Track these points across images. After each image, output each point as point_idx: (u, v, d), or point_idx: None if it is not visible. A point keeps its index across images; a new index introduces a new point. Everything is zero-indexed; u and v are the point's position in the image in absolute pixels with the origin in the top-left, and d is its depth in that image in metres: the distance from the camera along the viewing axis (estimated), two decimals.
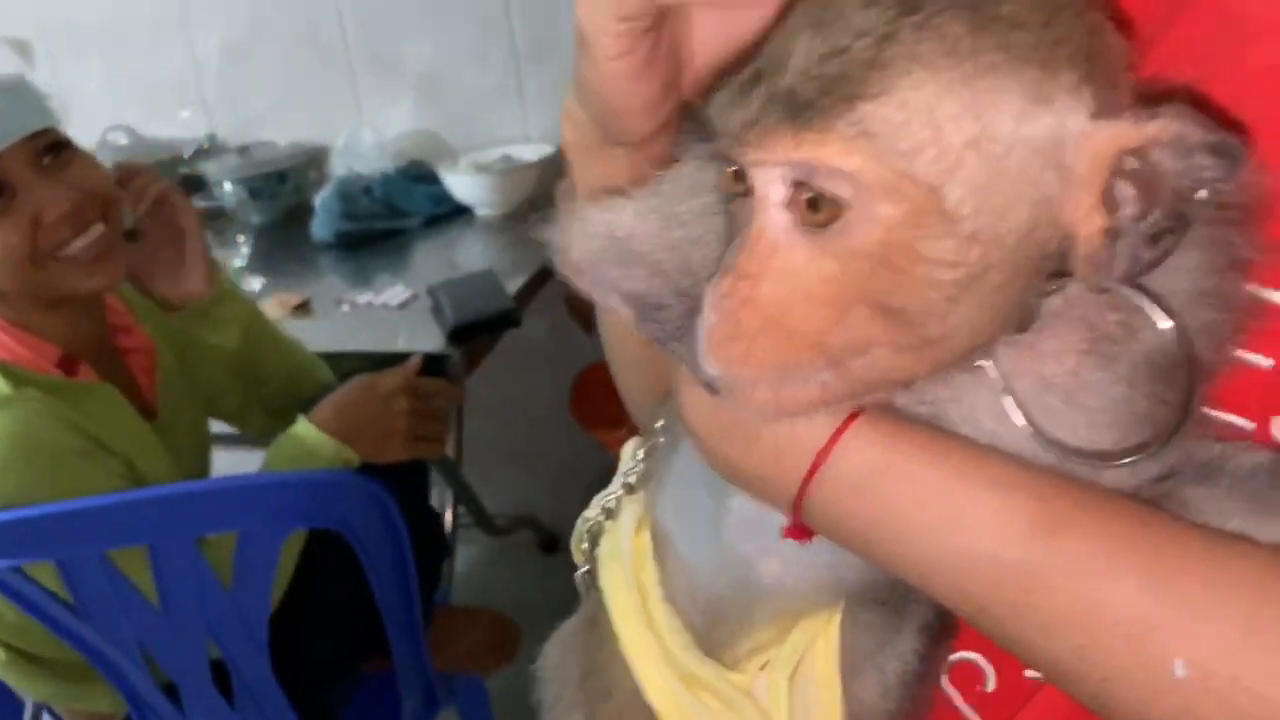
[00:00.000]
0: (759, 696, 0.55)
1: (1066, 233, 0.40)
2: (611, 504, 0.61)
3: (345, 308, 1.88)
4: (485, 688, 1.70)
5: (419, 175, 2.31)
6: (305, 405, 1.34)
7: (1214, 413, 0.45)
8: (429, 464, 1.67)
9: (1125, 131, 0.38)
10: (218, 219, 1.97)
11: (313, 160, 2.43)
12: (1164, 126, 0.37)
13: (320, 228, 2.18)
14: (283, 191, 2.36)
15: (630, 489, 0.60)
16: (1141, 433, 0.43)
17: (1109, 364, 0.43)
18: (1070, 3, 0.40)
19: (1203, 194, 0.37)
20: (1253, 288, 0.44)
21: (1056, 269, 0.41)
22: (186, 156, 2.41)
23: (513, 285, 1.86)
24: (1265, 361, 0.44)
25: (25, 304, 1.25)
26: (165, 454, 1.35)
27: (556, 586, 0.70)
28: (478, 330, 1.70)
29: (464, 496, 2.25)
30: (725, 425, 0.46)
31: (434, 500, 1.89)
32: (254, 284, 1.99)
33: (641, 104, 0.46)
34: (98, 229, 1.27)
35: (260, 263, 2.04)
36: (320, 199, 2.24)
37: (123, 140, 2.43)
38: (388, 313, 1.85)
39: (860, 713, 0.55)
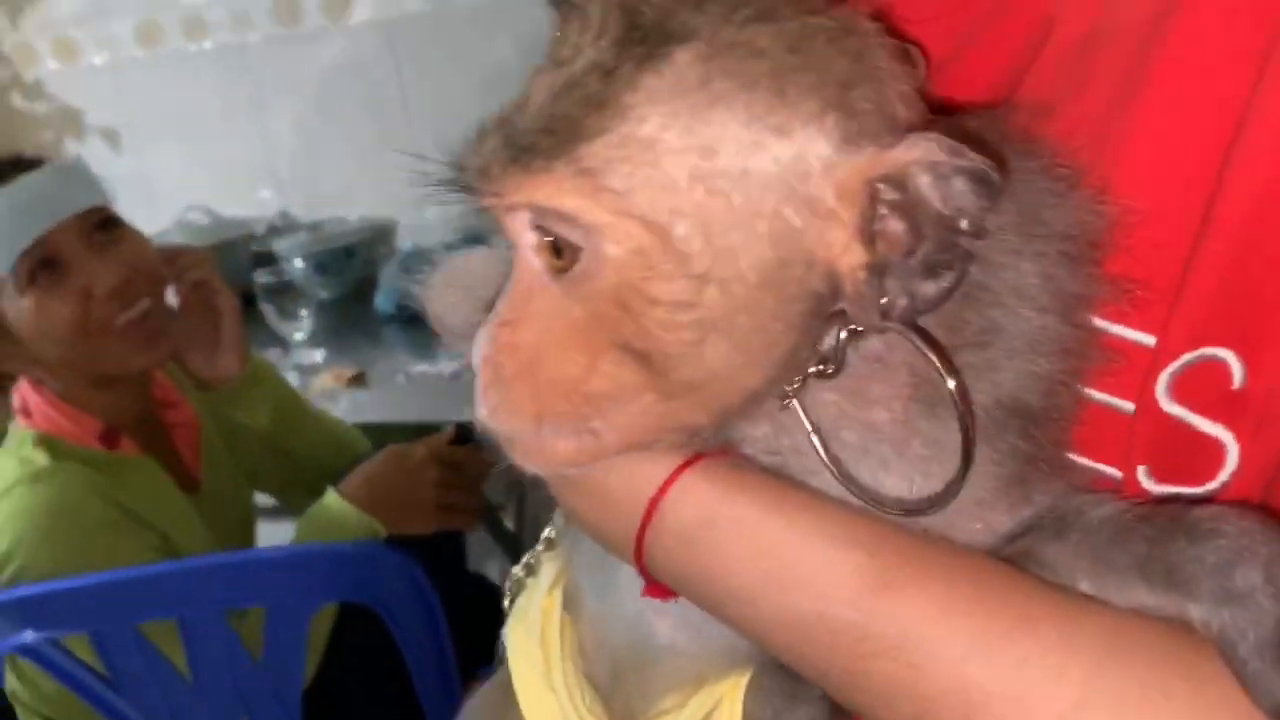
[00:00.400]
0: None
1: (829, 270, 0.38)
2: (533, 560, 0.60)
3: (400, 378, 1.89)
4: None
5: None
6: (338, 477, 1.34)
7: (1083, 460, 0.42)
8: (467, 534, 1.65)
9: (871, 160, 0.37)
10: (283, 293, 2.01)
11: (380, 235, 2.48)
12: (912, 153, 0.36)
13: (384, 300, 2.21)
14: (350, 266, 2.40)
15: (550, 544, 0.59)
16: (984, 482, 0.41)
17: (936, 410, 0.41)
18: (826, 28, 0.38)
19: (964, 224, 0.35)
20: (1106, 325, 0.41)
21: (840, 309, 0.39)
22: (260, 234, 2.48)
23: None
24: (1126, 405, 0.41)
25: (72, 377, 1.29)
26: (204, 527, 1.37)
27: None
28: None
29: (512, 555, 2.22)
30: (576, 479, 0.45)
31: (494, 572, 1.87)
32: (315, 356, 2.02)
33: None
34: (144, 303, 1.31)
35: (323, 336, 2.07)
36: (385, 273, 2.28)
37: (202, 220, 2.52)
38: (442, 382, 1.85)
39: None
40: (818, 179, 0.37)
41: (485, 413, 0.41)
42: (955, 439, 0.40)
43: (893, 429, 0.42)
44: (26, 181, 1.25)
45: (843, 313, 0.39)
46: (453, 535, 1.50)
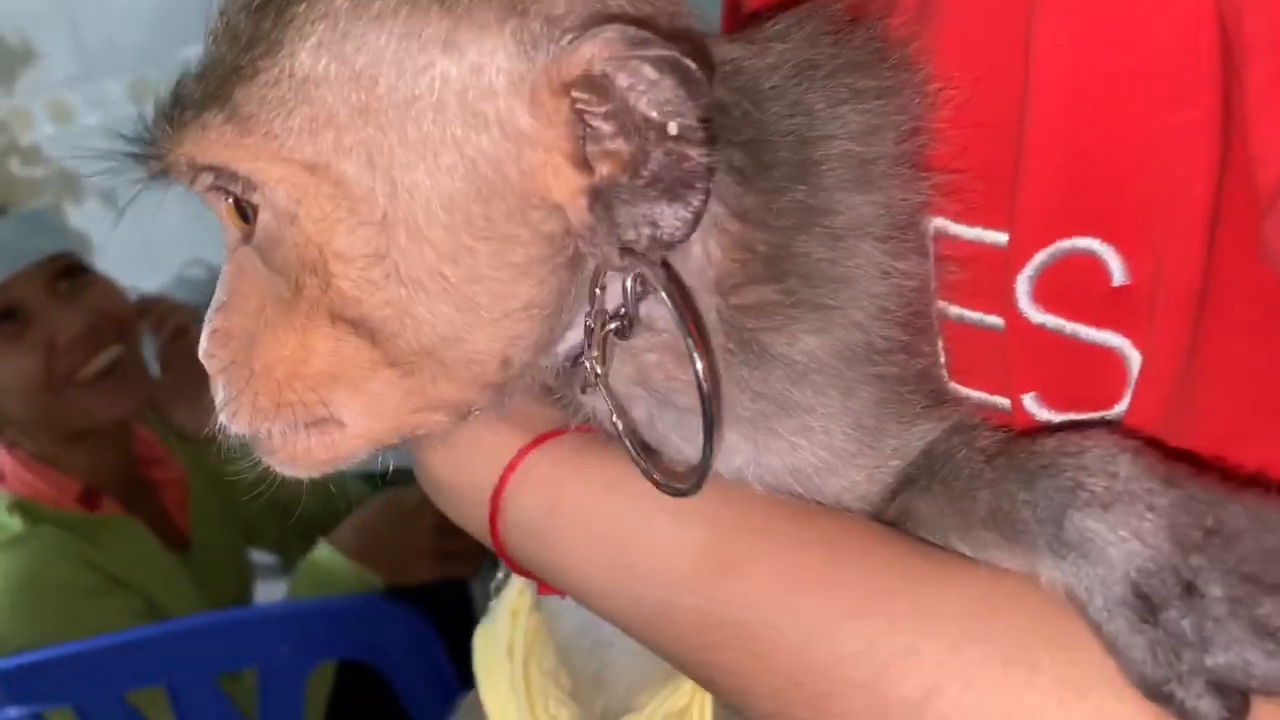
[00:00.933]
0: None
1: (545, 202, 0.33)
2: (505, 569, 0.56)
3: None
4: None
5: None
6: (329, 528, 1.27)
7: (966, 391, 0.38)
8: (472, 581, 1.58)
9: (556, 63, 0.31)
10: None
11: None
12: (592, 47, 0.31)
13: None
14: None
15: None
16: (845, 430, 0.37)
17: (757, 363, 0.36)
18: None
19: (673, 126, 0.30)
20: (951, 226, 0.36)
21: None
22: None
23: None
24: (996, 321, 0.35)
25: (46, 436, 1.24)
26: (195, 587, 1.30)
27: None
28: None
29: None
30: (430, 482, 0.43)
31: None
32: None
33: None
34: (113, 351, 1.24)
35: None
36: None
37: (202, 274, 2.47)
38: None
39: None
40: (504, 95, 0.33)
41: (227, 415, 0.37)
42: (782, 387, 0.36)
43: (672, 390, 0.38)
44: None
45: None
46: (457, 583, 1.43)
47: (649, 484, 0.37)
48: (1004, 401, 0.37)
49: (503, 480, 0.39)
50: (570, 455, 0.39)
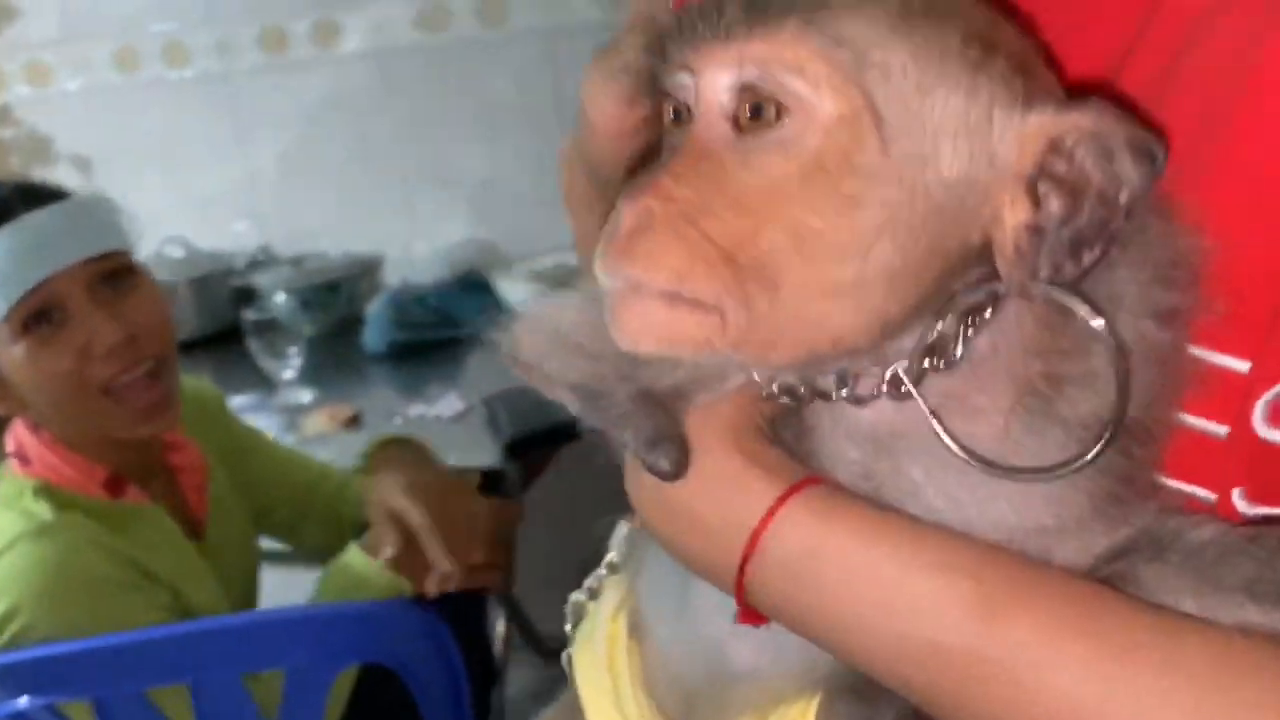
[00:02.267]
0: None
1: (992, 219, 0.39)
2: (595, 584, 0.60)
3: (398, 420, 1.82)
4: None
5: (473, 284, 2.28)
6: (359, 530, 1.26)
7: (1174, 483, 0.43)
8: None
9: (1051, 120, 0.39)
10: (269, 330, 1.94)
11: (365, 271, 2.41)
12: (1084, 118, 0.38)
13: (372, 338, 2.15)
14: (335, 302, 2.33)
15: (613, 568, 0.59)
16: (1082, 499, 0.42)
17: (1037, 424, 0.41)
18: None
19: (1124, 197, 0.38)
20: (1199, 351, 0.42)
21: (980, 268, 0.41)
22: (240, 268, 2.40)
23: None
24: (1219, 429, 0.41)
25: (72, 425, 1.20)
26: (212, 578, 1.28)
27: None
28: (535, 443, 1.64)
29: (515, 617, 2.16)
30: (670, 508, 0.45)
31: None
32: (304, 396, 1.95)
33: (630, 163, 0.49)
34: (148, 364, 1.20)
35: (311, 374, 1.99)
36: (372, 309, 2.21)
37: (178, 253, 2.43)
38: (441, 425, 1.79)
39: None
40: (1000, 133, 0.39)
41: (618, 258, 0.39)
42: (1055, 454, 0.41)
43: (991, 444, 0.41)
44: (31, 220, 1.14)
45: (977, 280, 0.40)
46: (476, 594, 1.44)
47: (905, 532, 0.41)
48: (1209, 495, 0.42)
49: (764, 521, 0.42)
50: (827, 503, 0.42)
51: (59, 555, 1.10)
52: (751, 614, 0.45)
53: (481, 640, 1.53)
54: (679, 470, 0.43)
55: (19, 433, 1.21)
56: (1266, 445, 0.39)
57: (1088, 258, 0.38)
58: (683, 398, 0.45)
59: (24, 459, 1.19)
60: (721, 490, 0.43)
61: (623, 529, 0.60)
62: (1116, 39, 0.46)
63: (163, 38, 2.41)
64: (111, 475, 1.21)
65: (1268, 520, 0.40)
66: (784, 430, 0.44)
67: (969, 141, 0.39)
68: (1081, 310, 0.39)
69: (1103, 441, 0.40)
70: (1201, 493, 0.42)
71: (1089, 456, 0.40)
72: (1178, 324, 0.41)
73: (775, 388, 0.43)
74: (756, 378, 0.44)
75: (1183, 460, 0.43)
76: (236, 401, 1.99)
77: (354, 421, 1.83)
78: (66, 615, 1.07)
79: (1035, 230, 0.38)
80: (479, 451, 1.65)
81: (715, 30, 0.39)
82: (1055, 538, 0.42)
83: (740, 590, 0.43)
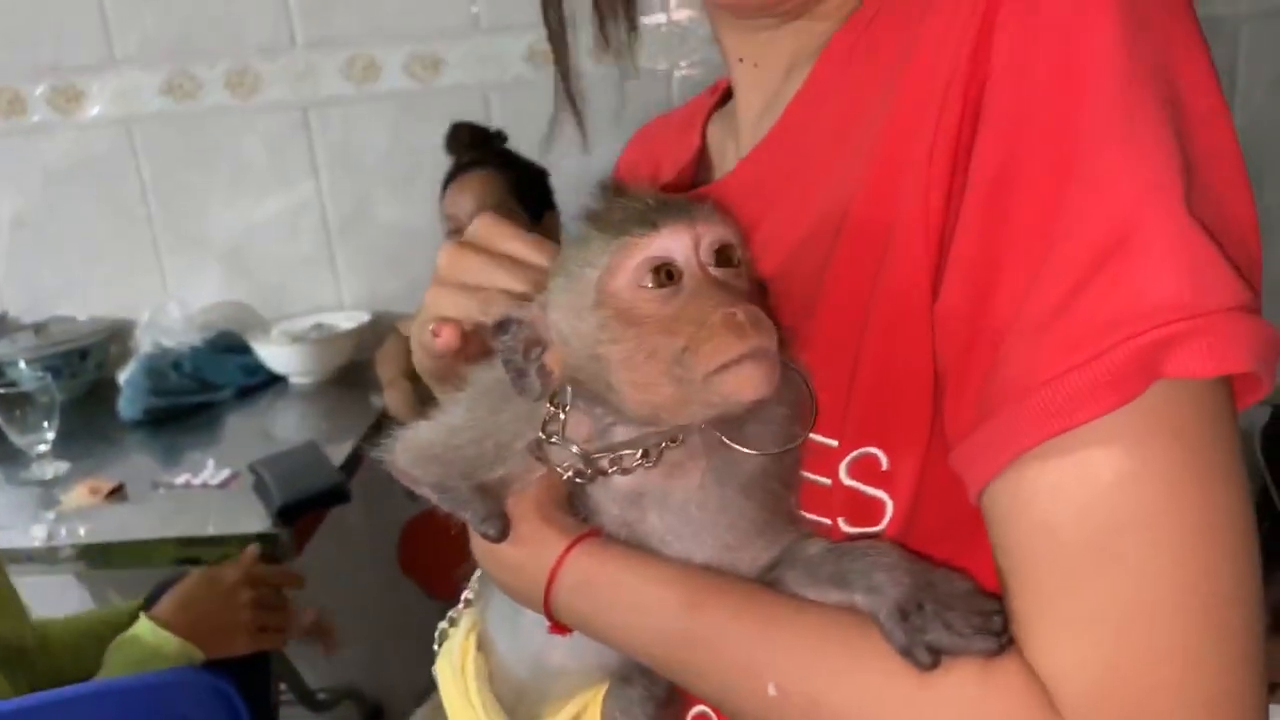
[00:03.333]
0: None
1: None
2: (455, 614, 0.77)
3: (161, 491, 1.83)
4: None
5: (229, 346, 2.30)
6: (148, 601, 1.31)
7: (806, 514, 0.62)
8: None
9: None
10: (19, 404, 1.90)
11: (115, 335, 2.38)
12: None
13: (128, 406, 2.14)
14: (84, 369, 2.30)
15: (468, 602, 0.76)
16: (753, 525, 0.61)
17: (724, 481, 0.60)
18: None
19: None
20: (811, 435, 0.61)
21: None
22: None
23: (335, 453, 1.88)
24: (825, 480, 0.60)
25: None
26: None
27: None
28: (306, 507, 1.70)
29: (283, 672, 2.19)
30: (499, 560, 0.63)
31: None
32: (59, 468, 1.92)
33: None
34: None
35: (63, 445, 1.96)
36: (126, 376, 2.20)
37: None
38: (207, 493, 1.82)
39: None
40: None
41: (756, 336, 0.54)
42: (737, 503, 0.61)
43: (694, 495, 0.61)
44: None
45: None
46: (261, 654, 1.50)
47: (645, 562, 0.60)
48: (825, 521, 0.62)
49: (559, 562, 0.60)
50: (600, 547, 0.61)
51: None
52: (559, 627, 0.63)
53: (264, 698, 1.58)
54: (502, 536, 0.61)
55: None
56: (848, 490, 0.59)
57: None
58: (505, 486, 0.62)
59: None
60: (531, 546, 0.61)
61: (476, 574, 0.76)
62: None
63: None
64: None
65: (860, 536, 0.60)
66: (576, 500, 0.63)
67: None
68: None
69: (799, 440, 0.59)
70: (821, 520, 0.61)
71: (792, 445, 0.59)
72: (805, 424, 0.61)
73: (570, 473, 0.61)
74: (556, 468, 0.61)
75: (807, 500, 0.62)
76: None
77: (117, 493, 1.83)
78: None
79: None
80: (248, 517, 1.70)
81: (691, 217, 0.56)
82: (736, 553, 0.61)
83: (548, 611, 0.62)
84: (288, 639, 1.45)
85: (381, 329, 2.26)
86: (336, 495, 1.73)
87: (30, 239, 2.40)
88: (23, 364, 2.17)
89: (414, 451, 0.64)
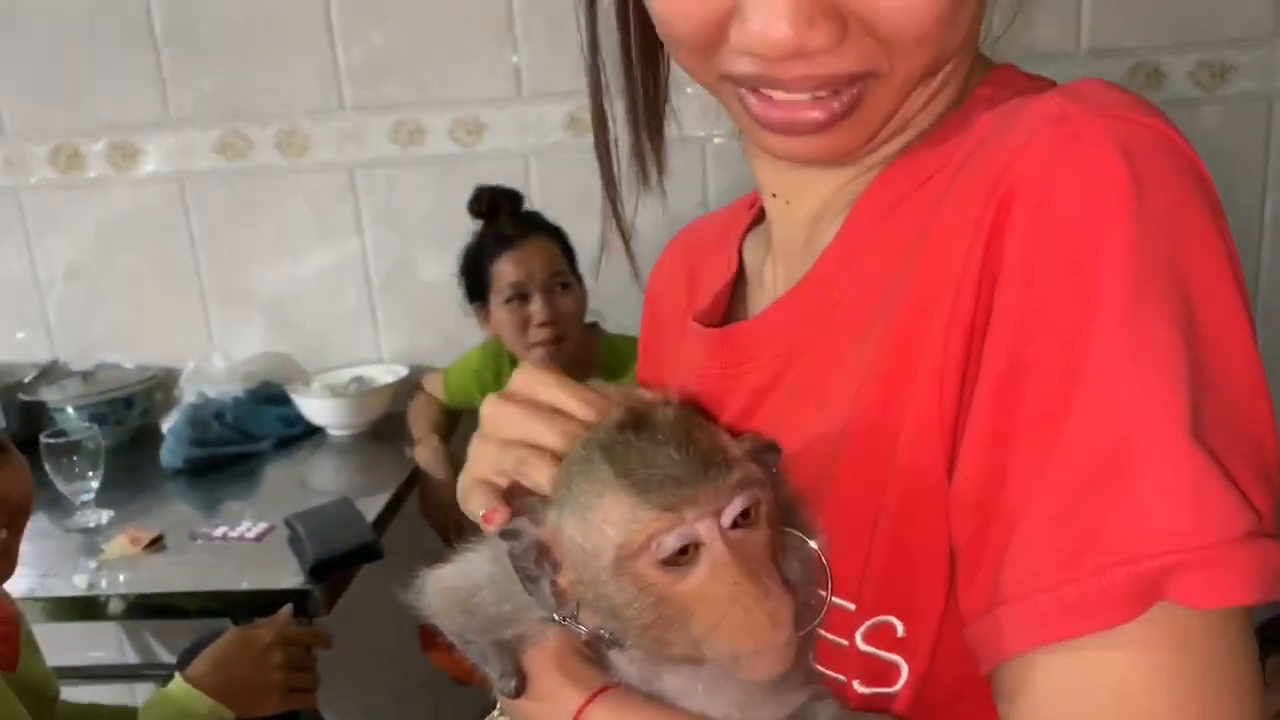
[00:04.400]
0: None
1: None
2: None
3: (199, 542, 1.88)
4: None
5: (270, 397, 2.36)
6: (182, 658, 1.35)
7: (822, 669, 0.61)
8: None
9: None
10: (65, 453, 1.95)
11: (160, 384, 2.45)
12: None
13: (170, 455, 2.19)
14: (129, 416, 2.36)
15: (503, 712, 0.74)
16: (756, 689, 0.59)
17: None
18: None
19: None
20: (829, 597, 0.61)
21: None
22: (26, 381, 2.38)
23: (369, 506, 1.92)
24: (842, 641, 0.60)
25: None
26: (24, 701, 1.35)
27: None
28: (339, 564, 1.73)
29: None
30: (521, 711, 0.64)
31: None
32: (102, 517, 1.98)
33: None
34: (1, 534, 1.31)
35: (106, 492, 2.01)
36: (170, 425, 2.25)
37: None
38: (244, 546, 1.86)
39: None
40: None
41: (778, 636, 0.55)
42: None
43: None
44: None
45: None
46: (292, 714, 1.53)
47: (659, 713, 0.60)
48: (841, 678, 0.60)
49: (578, 715, 0.60)
50: (617, 699, 0.61)
51: None
52: None
53: None
54: (519, 692, 0.62)
55: None
56: (864, 654, 0.59)
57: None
58: (524, 640, 0.62)
59: None
60: (549, 702, 0.62)
61: None
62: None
63: None
64: None
65: (874, 696, 0.60)
66: (593, 649, 0.62)
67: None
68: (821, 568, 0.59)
69: (815, 622, 0.59)
70: (837, 676, 0.60)
71: (808, 628, 0.58)
72: (819, 594, 0.61)
73: (585, 638, 0.61)
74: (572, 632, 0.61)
75: (824, 656, 0.61)
76: (29, 527, 2.00)
77: (156, 543, 1.87)
78: None
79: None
80: (282, 572, 1.74)
81: (715, 494, 0.54)
82: (751, 711, 0.60)
83: None
84: (315, 699, 1.48)
85: (418, 383, 2.31)
86: (369, 553, 1.76)
87: (82, 288, 2.48)
88: (71, 411, 2.24)
89: (440, 597, 0.65)
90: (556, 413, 0.62)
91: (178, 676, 1.32)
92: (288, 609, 1.47)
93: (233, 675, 1.34)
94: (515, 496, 0.61)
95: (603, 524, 0.55)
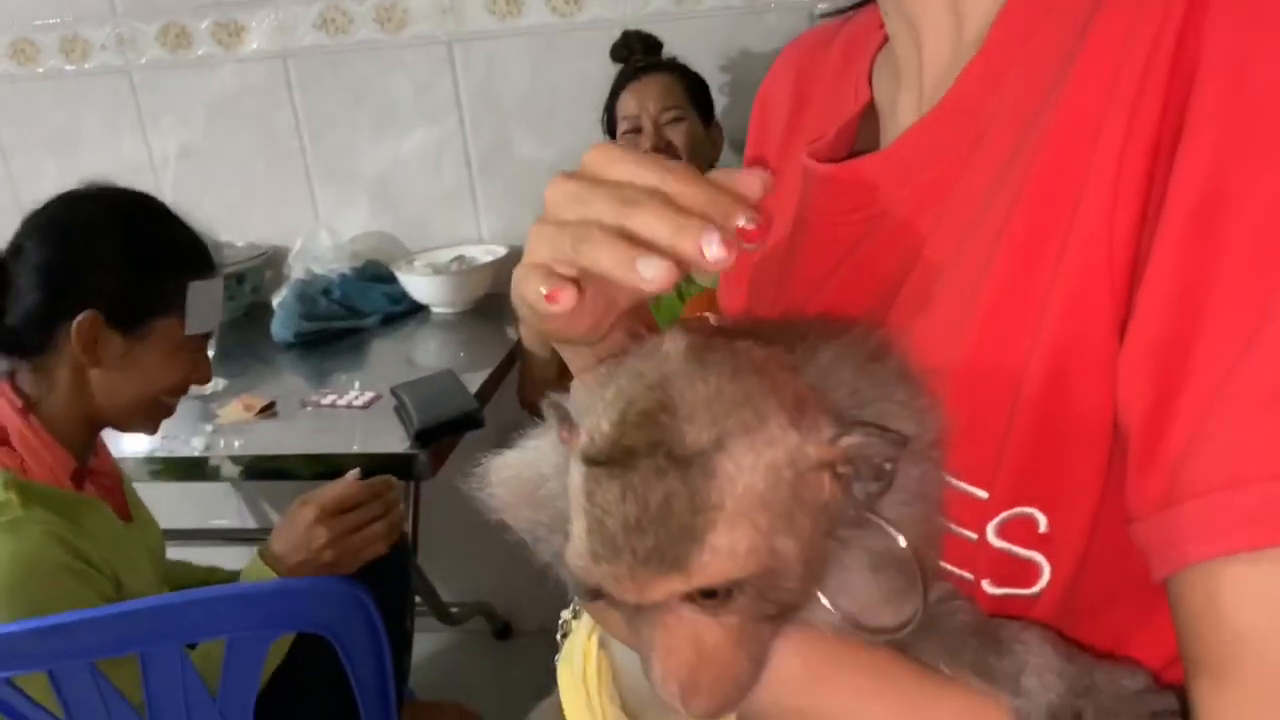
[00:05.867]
0: None
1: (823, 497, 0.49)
2: (578, 607, 0.73)
3: (309, 409, 1.94)
4: None
5: (375, 275, 2.40)
6: None
7: (949, 567, 0.55)
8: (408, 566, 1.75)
9: (838, 448, 0.47)
10: None
11: (270, 261, 2.51)
12: (854, 441, 0.47)
13: (280, 328, 2.25)
14: (241, 292, 2.43)
15: None
16: (882, 593, 0.53)
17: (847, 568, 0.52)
18: (768, 371, 0.48)
19: (887, 466, 0.47)
20: (954, 481, 0.53)
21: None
22: None
23: (471, 381, 1.95)
24: (971, 534, 0.53)
25: (77, 410, 1.38)
26: (144, 559, 1.44)
27: (510, 672, 0.78)
28: (442, 431, 1.77)
29: (419, 586, 2.30)
30: (600, 612, 0.59)
31: None
32: (217, 385, 2.05)
33: (582, 333, 0.55)
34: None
35: (221, 364, 2.08)
36: (279, 300, 2.31)
37: None
38: (351, 413, 1.92)
39: None
40: (810, 455, 0.47)
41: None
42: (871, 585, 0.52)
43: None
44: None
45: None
46: (398, 558, 1.60)
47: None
48: (969, 576, 0.54)
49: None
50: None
51: (25, 549, 1.23)
52: None
53: (398, 610, 1.68)
54: (595, 598, 0.51)
55: (3, 412, 1.34)
56: (997, 550, 0.52)
57: (883, 483, 0.47)
58: None
59: (2, 439, 1.31)
60: None
61: None
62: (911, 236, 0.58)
63: (58, 30, 2.45)
64: (78, 469, 1.35)
65: (1009, 598, 0.53)
66: None
67: (796, 474, 0.46)
68: (892, 533, 0.50)
69: (919, 612, 0.50)
70: (964, 574, 0.54)
71: (911, 625, 0.51)
72: (936, 479, 0.52)
73: None
74: None
75: (951, 552, 0.54)
76: None
77: (268, 410, 1.94)
78: (25, 601, 1.20)
79: (844, 485, 0.47)
80: (388, 438, 1.79)
81: (635, 580, 0.46)
82: (861, 619, 0.52)
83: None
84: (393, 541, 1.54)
85: (518, 262, 2.31)
86: (471, 421, 1.80)
87: (194, 169, 2.54)
88: None
89: (505, 488, 0.59)
90: (622, 186, 0.51)
91: (256, 554, 1.42)
92: (352, 474, 1.53)
93: (293, 551, 1.43)
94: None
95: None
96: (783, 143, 0.73)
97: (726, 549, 0.45)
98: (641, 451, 0.45)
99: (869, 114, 0.69)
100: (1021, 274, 0.50)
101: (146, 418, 1.47)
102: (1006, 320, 0.51)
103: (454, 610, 2.53)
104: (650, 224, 0.48)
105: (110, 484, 1.48)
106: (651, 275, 0.47)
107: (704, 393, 0.46)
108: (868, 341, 0.53)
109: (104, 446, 1.50)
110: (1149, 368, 0.45)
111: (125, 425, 1.46)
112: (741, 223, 0.47)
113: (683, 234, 0.47)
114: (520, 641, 2.59)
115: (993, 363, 0.51)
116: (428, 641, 2.53)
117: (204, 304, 1.47)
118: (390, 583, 1.55)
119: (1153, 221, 0.44)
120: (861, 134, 0.68)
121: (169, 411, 1.51)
